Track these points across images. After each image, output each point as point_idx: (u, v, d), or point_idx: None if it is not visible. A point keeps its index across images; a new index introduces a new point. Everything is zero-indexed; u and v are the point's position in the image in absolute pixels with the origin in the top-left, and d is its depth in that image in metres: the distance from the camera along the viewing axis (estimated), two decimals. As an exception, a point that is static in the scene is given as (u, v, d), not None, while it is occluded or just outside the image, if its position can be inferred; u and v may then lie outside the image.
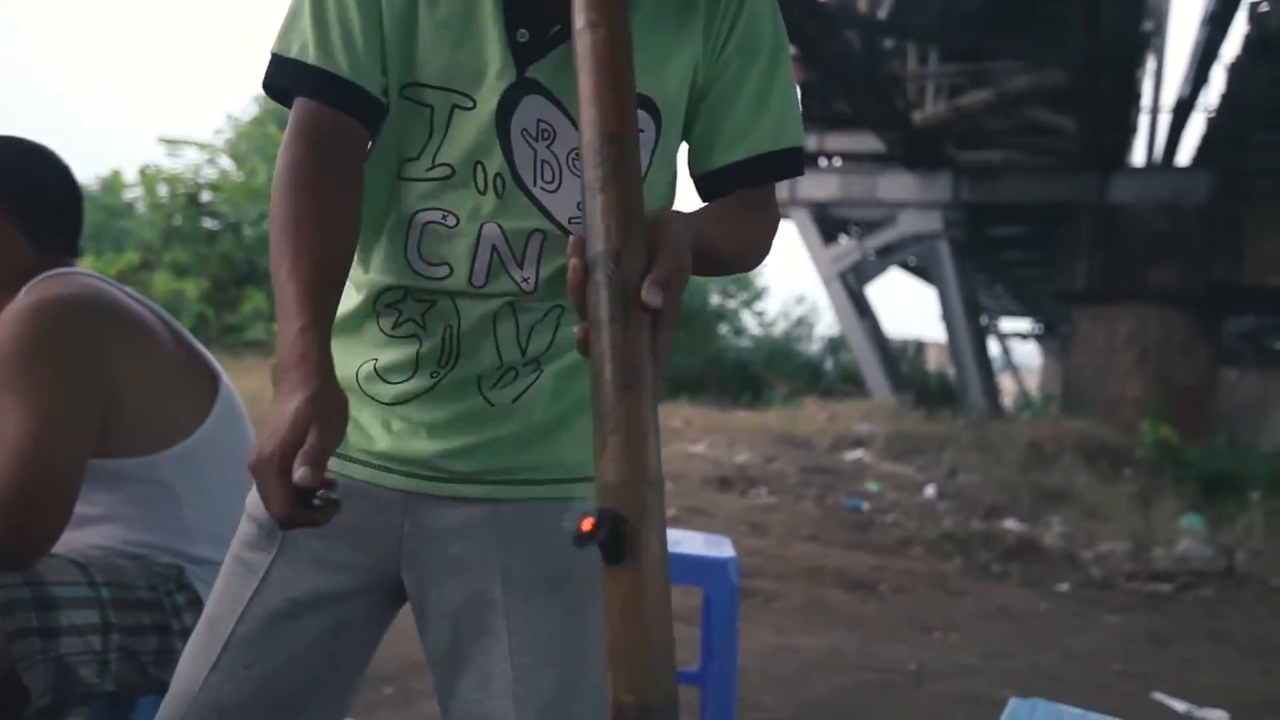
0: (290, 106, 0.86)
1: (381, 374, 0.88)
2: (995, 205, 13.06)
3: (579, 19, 0.72)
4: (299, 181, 0.82)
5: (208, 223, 11.30)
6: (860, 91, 10.44)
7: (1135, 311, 11.69)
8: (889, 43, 11.20)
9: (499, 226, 0.84)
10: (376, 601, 0.91)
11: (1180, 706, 2.84)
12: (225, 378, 1.35)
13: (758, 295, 18.95)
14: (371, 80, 0.84)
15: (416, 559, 0.89)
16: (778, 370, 13.69)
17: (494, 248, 0.85)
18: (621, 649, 0.59)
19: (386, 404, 0.88)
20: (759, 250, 0.92)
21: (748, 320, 18.56)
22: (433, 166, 0.84)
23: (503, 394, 0.88)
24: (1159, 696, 2.91)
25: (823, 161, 14.06)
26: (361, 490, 0.88)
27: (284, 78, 0.85)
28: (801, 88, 13.92)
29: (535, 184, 0.84)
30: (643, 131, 0.85)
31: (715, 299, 16.59)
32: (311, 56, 0.83)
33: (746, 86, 0.88)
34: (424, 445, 0.87)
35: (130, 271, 10.01)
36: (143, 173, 11.66)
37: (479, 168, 0.83)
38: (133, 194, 12.65)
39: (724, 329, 16.67)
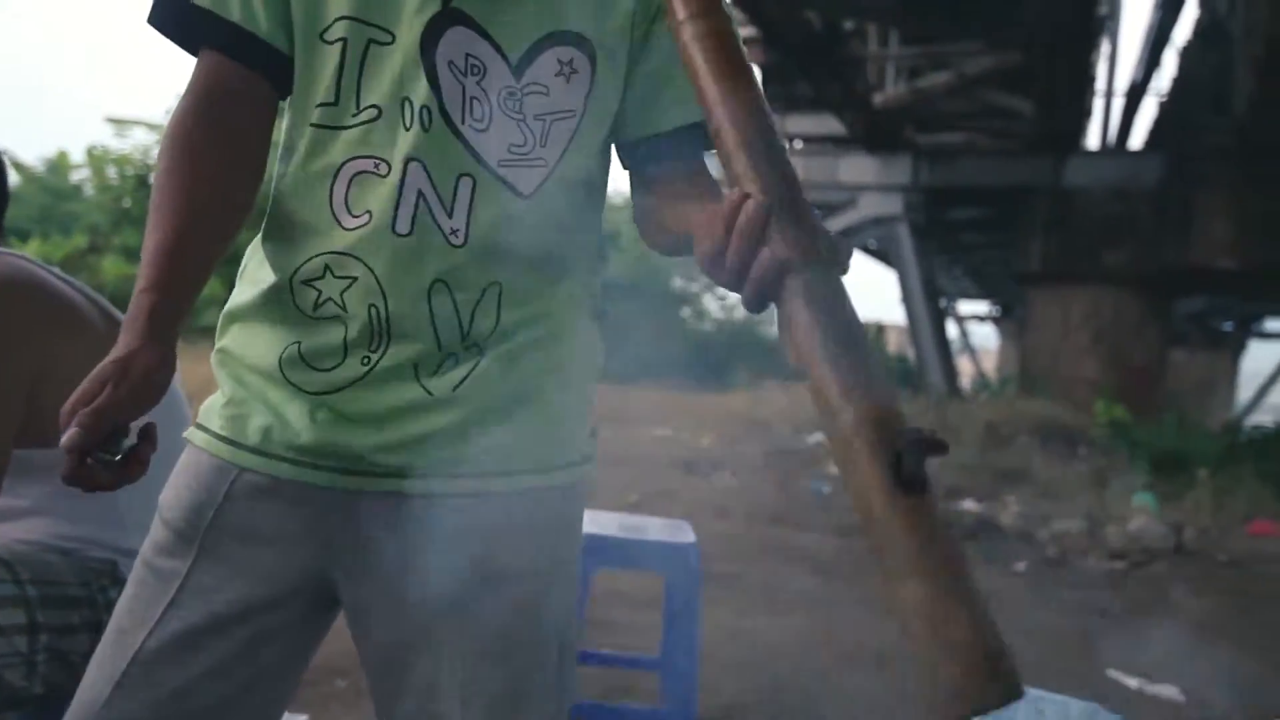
0: (189, 50, 0.82)
1: (307, 359, 0.82)
2: (954, 188, 13.17)
3: (680, 10, 0.71)
4: (176, 139, 0.79)
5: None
6: (821, 73, 10.45)
7: (1089, 293, 11.88)
8: (849, 24, 11.20)
9: (424, 166, 0.78)
10: (306, 607, 0.85)
11: (1133, 683, 2.89)
12: None
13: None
14: (280, 36, 0.80)
15: (350, 560, 0.83)
16: (740, 353, 13.73)
17: (420, 192, 0.79)
18: (945, 599, 0.51)
19: (316, 394, 0.82)
20: None
21: (710, 304, 18.59)
22: (358, 111, 0.79)
23: (442, 382, 0.82)
24: (1113, 673, 2.96)
25: (784, 144, 14.06)
26: (288, 490, 0.82)
27: (188, 26, 0.81)
28: (762, 69, 13.96)
29: (464, 121, 0.79)
30: (577, 74, 0.82)
31: (678, 282, 16.58)
32: (214, 3, 0.79)
33: (668, 60, 0.85)
34: (358, 439, 0.81)
35: (78, 256, 9.73)
36: (90, 153, 11.33)
37: (405, 104, 0.78)
38: (80, 176, 12.31)
39: (686, 312, 16.68)
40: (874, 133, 12.07)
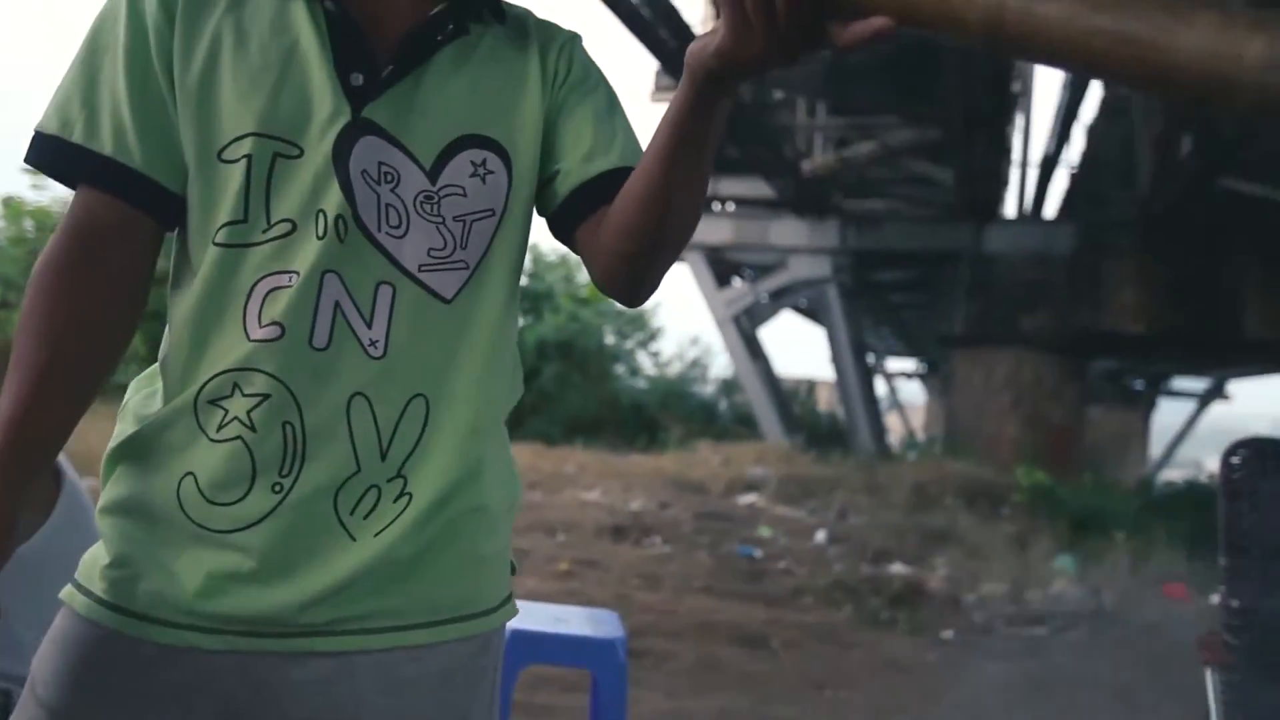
0: (69, 186, 0.78)
1: (209, 492, 0.76)
2: (880, 252, 13.58)
3: None
4: (42, 287, 0.76)
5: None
6: (751, 139, 10.73)
7: (1009, 355, 12.29)
8: (779, 94, 11.56)
9: (339, 277, 0.76)
10: None
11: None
12: (70, 472, 1.24)
13: (653, 336, 19.10)
14: (160, 166, 0.77)
15: None
16: (673, 412, 13.77)
17: (337, 303, 0.76)
18: None
19: (220, 532, 0.76)
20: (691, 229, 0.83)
21: (643, 360, 18.67)
22: (269, 226, 0.76)
23: (364, 525, 0.77)
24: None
25: (716, 206, 14.36)
26: (183, 660, 0.75)
27: (63, 161, 0.78)
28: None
29: (380, 229, 0.78)
30: (492, 174, 0.82)
31: (610, 339, 16.63)
32: (87, 138, 0.76)
33: (595, 112, 0.86)
34: (266, 595, 0.76)
35: (-15, 311, 9.32)
36: (6, 204, 10.94)
37: (319, 215, 0.76)
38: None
39: (619, 369, 16.72)
40: (803, 197, 12.41)
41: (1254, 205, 10.71)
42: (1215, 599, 1.66)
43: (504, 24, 0.87)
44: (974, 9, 0.53)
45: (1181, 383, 25.15)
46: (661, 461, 10.30)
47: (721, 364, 17.47)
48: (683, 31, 7.44)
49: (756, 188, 13.25)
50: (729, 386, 16.63)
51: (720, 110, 0.72)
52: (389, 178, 0.78)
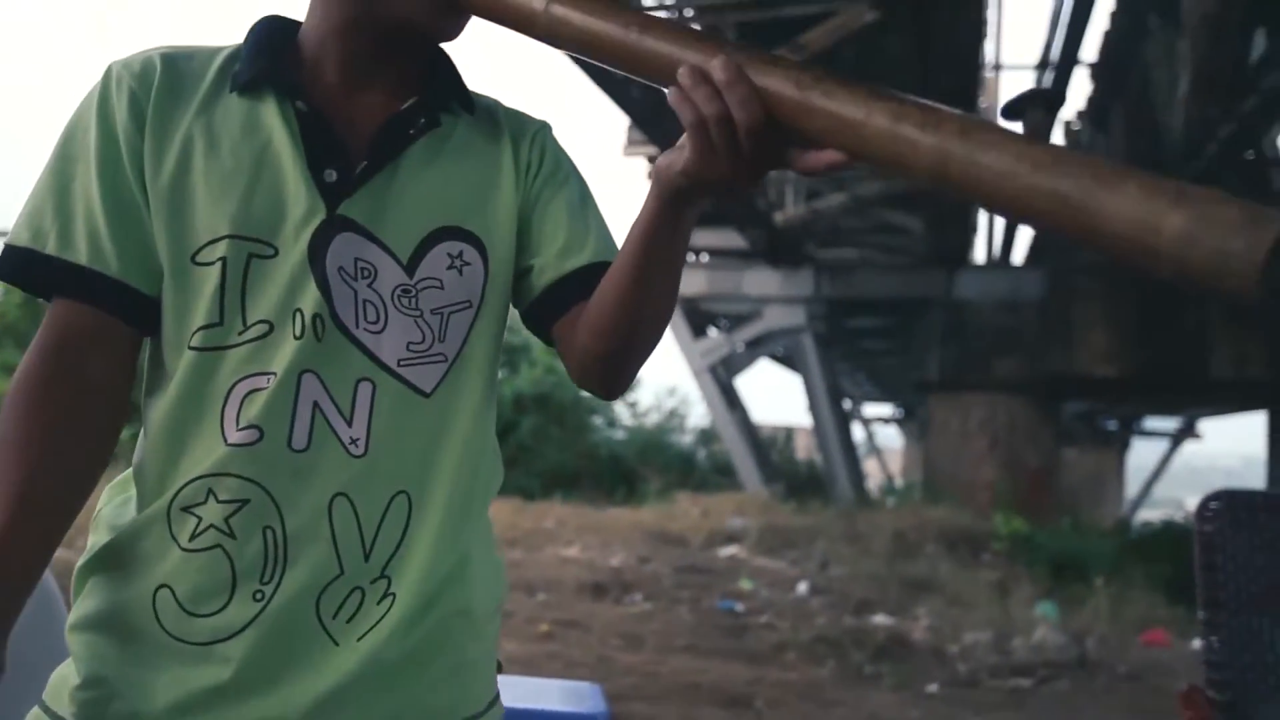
0: (44, 299, 0.77)
1: (186, 604, 0.74)
2: (854, 300, 13.73)
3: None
4: (17, 406, 0.74)
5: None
6: (723, 192, 10.88)
7: (984, 400, 12.42)
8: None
9: (318, 376, 0.75)
10: None
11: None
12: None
13: (630, 387, 19.13)
14: (136, 272, 0.76)
15: None
16: (651, 463, 13.72)
17: (315, 403, 0.75)
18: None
19: (199, 645, 0.74)
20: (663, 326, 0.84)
21: (621, 411, 18.64)
22: (245, 328, 0.75)
23: (347, 628, 0.75)
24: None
25: (691, 257, 14.50)
26: None
27: (36, 276, 0.76)
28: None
29: (358, 325, 0.77)
30: (469, 265, 0.81)
31: (587, 392, 16.60)
32: (61, 249, 0.75)
33: (569, 206, 0.86)
34: (249, 708, 0.73)
35: (-50, 376, 9.16)
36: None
37: (296, 315, 0.75)
38: (-42, 288, 11.70)
39: (597, 420, 16.67)
40: (776, 248, 12.56)
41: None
42: (1196, 644, 1.67)
43: (473, 115, 0.88)
44: (921, 155, 0.56)
45: (1153, 422, 25.45)
46: (641, 514, 10.24)
47: (699, 414, 17.49)
48: (650, 86, 7.56)
49: (730, 239, 13.41)
50: (707, 436, 16.63)
51: (687, 220, 0.73)
52: (366, 273, 0.78)
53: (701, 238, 14.13)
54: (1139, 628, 6.08)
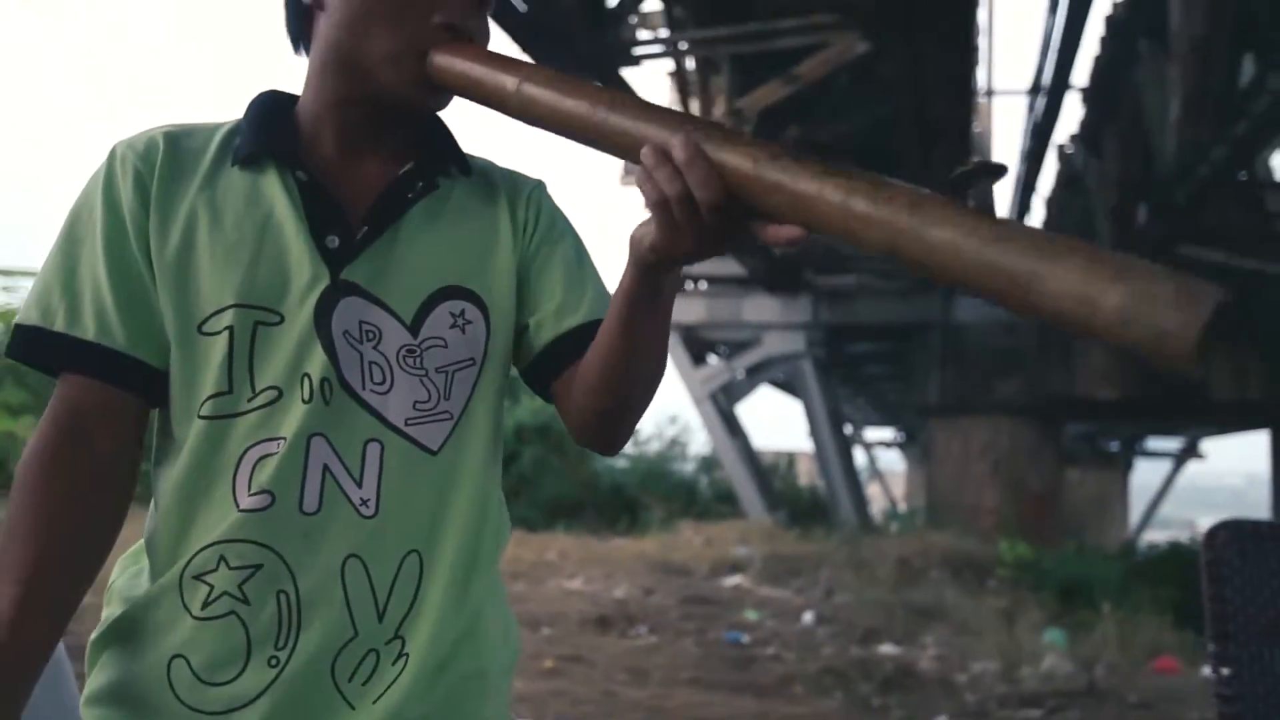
0: (52, 375, 0.78)
1: (201, 673, 0.74)
2: (853, 325, 13.75)
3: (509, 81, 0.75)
4: (27, 484, 0.74)
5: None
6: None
7: (985, 423, 12.39)
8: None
9: (326, 439, 0.76)
10: None
11: None
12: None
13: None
14: (144, 345, 0.77)
15: None
16: (653, 492, 13.67)
17: (325, 466, 0.76)
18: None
19: (215, 714, 0.74)
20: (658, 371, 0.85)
21: (622, 439, 18.58)
22: (254, 394, 0.76)
23: (363, 691, 0.76)
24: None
25: (689, 285, 14.53)
26: None
27: (47, 351, 0.78)
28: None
29: (365, 387, 0.78)
30: (471, 323, 0.83)
31: (586, 448, 16.57)
32: (69, 325, 0.77)
33: (565, 264, 0.88)
34: None
35: (-50, 416, 9.14)
36: (-30, 305, 10.85)
37: (304, 379, 0.77)
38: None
39: (599, 450, 16.62)
40: (775, 275, 12.60)
41: (1215, 270, 11.00)
42: (1207, 671, 1.66)
43: (470, 177, 0.89)
44: (871, 230, 0.57)
45: (1156, 443, 25.40)
46: (644, 544, 10.19)
47: (700, 441, 17.44)
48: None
49: (728, 266, 13.45)
50: (708, 463, 16.57)
51: (667, 286, 0.75)
52: (370, 335, 0.79)
53: (699, 265, 14.19)
54: (1148, 654, 6.03)
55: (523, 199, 0.90)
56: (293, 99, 0.87)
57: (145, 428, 0.81)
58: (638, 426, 0.88)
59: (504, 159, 0.98)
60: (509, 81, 0.74)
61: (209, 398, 0.77)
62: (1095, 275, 0.49)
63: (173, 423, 0.79)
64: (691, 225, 0.64)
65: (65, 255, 0.79)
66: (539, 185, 0.93)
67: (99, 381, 0.77)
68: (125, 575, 0.82)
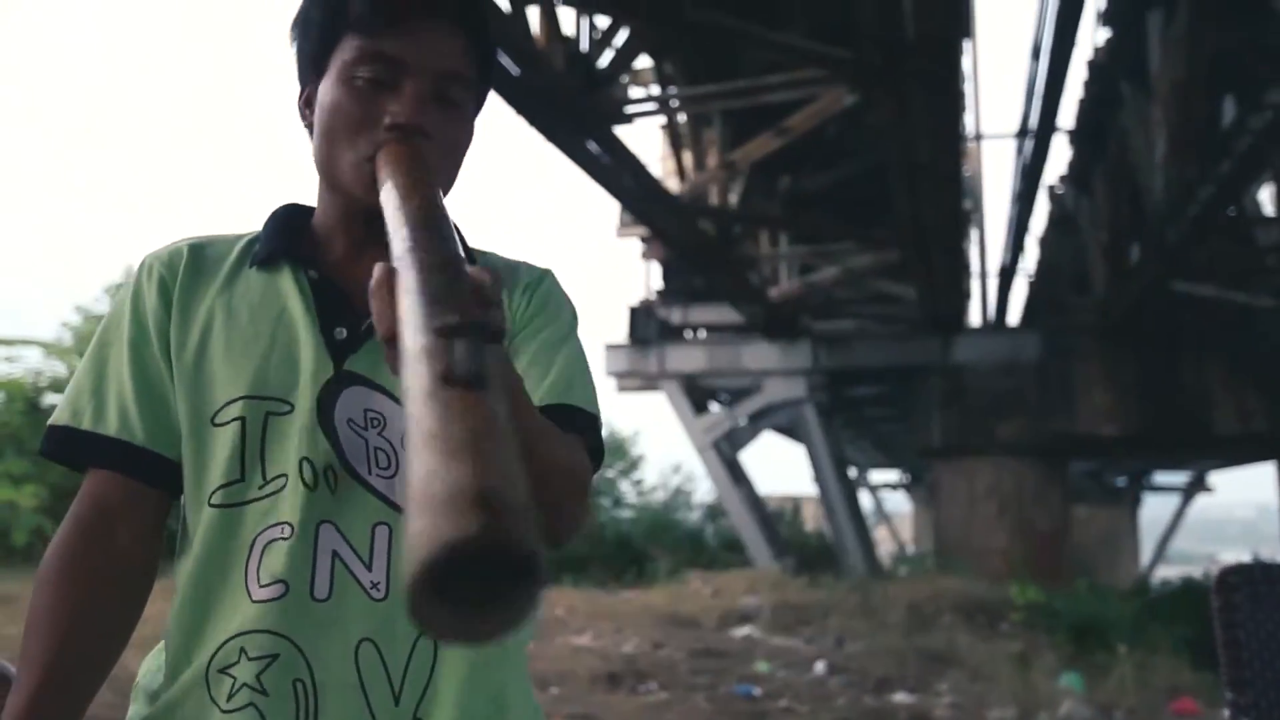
0: (80, 472, 0.82)
1: None
2: (853, 369, 13.76)
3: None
4: (53, 570, 0.78)
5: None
6: (717, 271, 11.02)
7: (989, 464, 12.34)
8: (738, 229, 11.95)
9: (335, 526, 0.78)
10: None
11: None
12: None
13: (634, 464, 19.02)
14: (162, 439, 0.81)
15: None
16: (660, 542, 13.57)
17: (334, 552, 0.78)
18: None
19: None
20: (568, 478, 0.79)
21: (626, 489, 18.51)
22: (265, 482, 0.79)
23: None
24: None
25: (689, 334, 14.59)
26: None
27: (72, 450, 0.82)
28: (662, 265, 14.63)
29: (370, 472, 0.80)
30: None
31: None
32: (94, 423, 0.81)
33: (539, 347, 0.89)
34: None
35: (-46, 488, 9.14)
36: (-25, 376, 10.88)
37: (306, 465, 0.79)
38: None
39: (604, 500, 16.55)
40: (773, 322, 12.66)
41: (1210, 306, 11.07)
42: (1225, 713, 1.63)
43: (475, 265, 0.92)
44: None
45: (1163, 477, 25.25)
46: (652, 596, 10.09)
47: (705, 489, 17.36)
48: (640, 173, 7.74)
49: (726, 313, 13.53)
50: (714, 512, 16.47)
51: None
52: (375, 422, 0.82)
53: (698, 314, 14.26)
54: (1167, 696, 5.94)
55: (520, 286, 0.92)
56: (310, 209, 0.92)
57: (165, 518, 0.84)
58: (575, 527, 0.82)
59: (516, 244, 0.99)
60: (407, 186, 0.73)
61: (220, 486, 0.79)
62: (453, 501, 0.43)
63: (187, 513, 0.82)
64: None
65: (95, 360, 0.84)
66: (542, 275, 0.95)
67: (120, 475, 0.81)
68: (150, 673, 0.84)
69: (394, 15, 0.81)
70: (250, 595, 0.77)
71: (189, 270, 0.85)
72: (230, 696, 0.76)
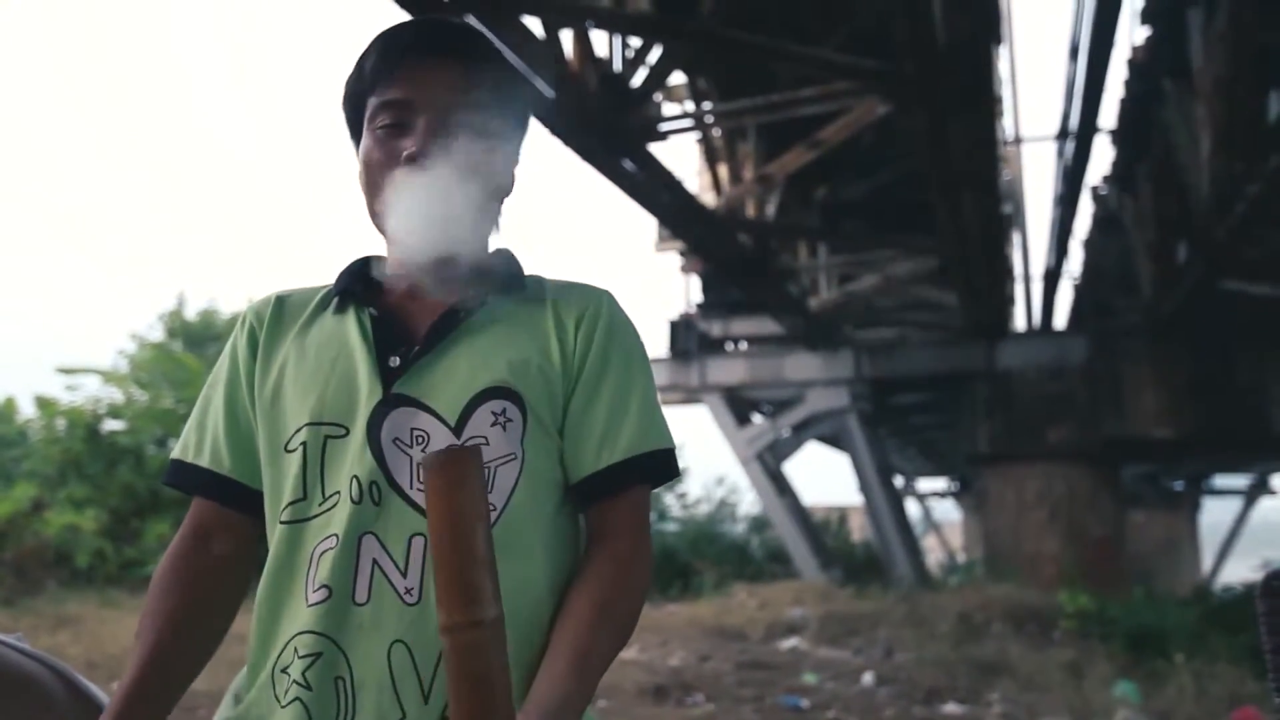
0: (188, 493, 0.97)
1: None
2: (896, 378, 13.64)
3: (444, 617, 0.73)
4: (156, 583, 0.91)
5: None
6: (757, 284, 11.03)
7: (1039, 470, 12.13)
8: (774, 243, 11.95)
9: (376, 537, 0.86)
10: None
11: None
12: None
13: (678, 477, 19.00)
14: (245, 469, 0.94)
15: None
16: (705, 555, 13.55)
17: (374, 560, 0.85)
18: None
19: None
20: (630, 613, 0.89)
21: (670, 502, 18.50)
22: (324, 499, 0.88)
23: None
24: None
25: (730, 346, 14.59)
26: None
27: (181, 478, 0.97)
28: (701, 278, 14.65)
29: (412, 486, 0.87)
30: (511, 421, 0.90)
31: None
32: (195, 456, 0.96)
33: (610, 394, 0.93)
34: None
35: (22, 515, 9.48)
36: (40, 403, 11.28)
37: (354, 481, 0.87)
38: (27, 415, 12.18)
39: (650, 515, 16.53)
40: (814, 332, 12.62)
41: (1264, 303, 10.79)
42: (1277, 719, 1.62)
43: (524, 292, 0.98)
44: None
45: (1224, 480, 24.53)
46: (698, 609, 10.09)
47: (750, 501, 17.29)
48: (676, 189, 7.80)
49: (767, 325, 13.51)
50: (759, 523, 16.39)
51: None
52: (420, 440, 0.89)
53: (739, 326, 14.26)
54: (1228, 706, 5.80)
55: (573, 317, 0.96)
56: (381, 258, 1.03)
57: (254, 540, 0.96)
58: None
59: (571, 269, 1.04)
60: None
61: (288, 505, 0.90)
62: None
63: (268, 532, 0.93)
64: None
65: (203, 399, 0.99)
66: (598, 302, 0.98)
67: (213, 502, 0.95)
68: (241, 676, 0.94)
69: (396, 64, 0.93)
70: (306, 600, 0.87)
71: (273, 318, 0.98)
72: (285, 692, 0.86)
